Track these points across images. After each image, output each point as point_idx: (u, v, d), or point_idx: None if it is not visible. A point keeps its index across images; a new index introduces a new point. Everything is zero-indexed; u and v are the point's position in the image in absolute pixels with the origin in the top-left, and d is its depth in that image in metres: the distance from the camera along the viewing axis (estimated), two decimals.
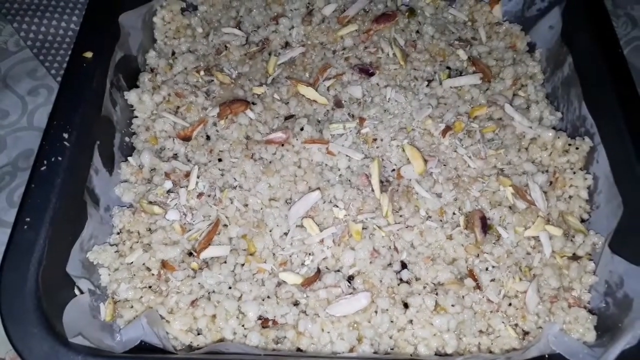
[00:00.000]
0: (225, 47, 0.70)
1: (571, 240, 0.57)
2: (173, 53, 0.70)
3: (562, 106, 0.67)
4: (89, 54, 0.57)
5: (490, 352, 0.52)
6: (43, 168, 0.50)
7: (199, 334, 0.51)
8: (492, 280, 0.54)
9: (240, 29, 0.71)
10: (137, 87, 0.65)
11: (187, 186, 0.58)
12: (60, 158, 0.51)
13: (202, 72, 0.66)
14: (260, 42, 0.70)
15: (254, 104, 0.64)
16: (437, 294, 0.53)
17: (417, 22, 0.72)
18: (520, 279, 0.55)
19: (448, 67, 0.69)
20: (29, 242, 0.46)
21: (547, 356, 0.50)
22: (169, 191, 0.58)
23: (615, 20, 0.83)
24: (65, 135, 0.52)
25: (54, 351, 0.42)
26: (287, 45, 0.71)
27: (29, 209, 0.48)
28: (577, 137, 0.62)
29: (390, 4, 0.74)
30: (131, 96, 0.62)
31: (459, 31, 0.73)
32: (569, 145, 0.62)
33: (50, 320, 0.44)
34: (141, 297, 0.52)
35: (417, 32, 0.72)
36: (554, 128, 0.66)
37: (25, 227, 0.47)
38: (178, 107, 0.64)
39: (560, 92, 0.67)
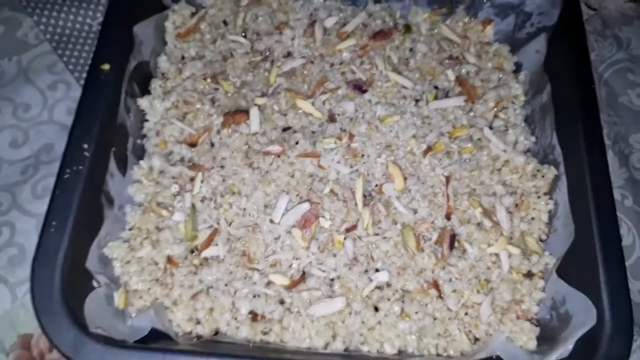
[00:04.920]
0: (231, 54, 0.75)
1: (527, 259, 0.65)
2: (182, 57, 0.75)
3: (537, 130, 0.73)
4: (106, 66, 0.63)
5: (446, 353, 0.61)
6: (66, 176, 0.57)
7: (198, 323, 0.60)
8: (454, 291, 0.63)
9: (245, 36, 0.76)
10: (149, 92, 0.71)
11: (191, 190, 0.65)
12: (81, 167, 0.58)
13: (208, 79, 0.72)
14: (264, 51, 0.75)
15: None
16: (403, 301, 0.61)
17: (411, 39, 0.77)
18: (478, 291, 0.63)
19: (436, 87, 0.74)
20: (56, 243, 0.54)
21: (494, 357, 0.60)
22: (175, 194, 0.65)
23: (601, 41, 0.88)
24: (85, 146, 0.59)
25: (79, 340, 0.50)
26: (289, 54, 0.76)
27: (54, 213, 0.55)
28: (545, 164, 0.69)
29: (388, 19, 0.78)
30: (143, 103, 0.69)
31: (451, 49, 0.78)
32: (537, 171, 0.69)
33: (74, 312, 0.52)
34: (149, 288, 0.61)
35: (411, 49, 0.77)
36: (528, 150, 0.72)
37: (52, 229, 0.54)
38: (186, 114, 0.70)
39: (538, 117, 0.73)
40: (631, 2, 0.90)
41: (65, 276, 0.53)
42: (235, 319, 0.60)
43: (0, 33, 0.77)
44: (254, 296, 0.61)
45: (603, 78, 0.85)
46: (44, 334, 0.50)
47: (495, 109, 0.74)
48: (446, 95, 0.74)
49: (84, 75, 0.76)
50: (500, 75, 0.77)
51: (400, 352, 0.60)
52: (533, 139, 0.72)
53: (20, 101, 0.74)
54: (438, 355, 0.61)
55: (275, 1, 0.79)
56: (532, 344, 0.60)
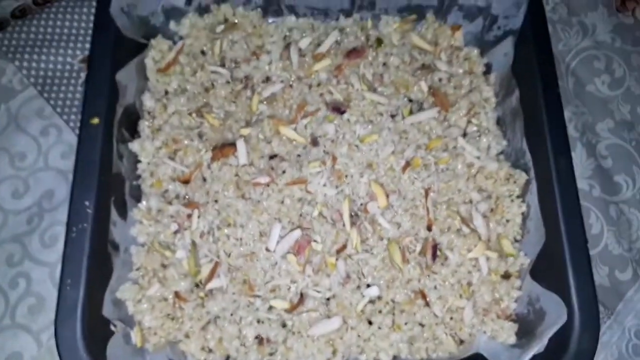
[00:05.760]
0: (212, 84, 0.78)
1: (504, 261, 0.71)
2: (166, 92, 0.77)
3: (509, 133, 0.77)
4: (95, 120, 0.66)
5: (435, 355, 0.67)
6: (73, 235, 0.61)
7: (210, 352, 0.66)
8: (439, 297, 0.69)
9: (224, 65, 0.79)
10: (138, 133, 0.74)
11: (190, 227, 0.70)
12: (85, 224, 0.62)
13: (193, 114, 0.75)
14: (243, 79, 0.78)
15: None
16: (394, 314, 0.68)
17: (384, 53, 0.80)
18: (461, 296, 0.69)
19: (410, 100, 0.78)
20: (73, 300, 0.59)
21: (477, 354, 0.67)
22: (175, 232, 0.70)
23: (568, 30, 0.91)
24: (87, 203, 0.63)
25: None
26: (268, 79, 0.79)
27: (68, 272, 0.60)
28: (517, 169, 0.74)
29: (360, 33, 0.81)
30: (134, 146, 0.72)
31: (422, 57, 0.81)
32: (510, 175, 0.74)
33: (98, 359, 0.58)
34: (162, 324, 0.66)
35: (384, 64, 0.79)
36: (502, 153, 0.77)
37: (68, 287, 0.60)
38: (176, 151, 0.74)
39: (509, 119, 0.77)
40: None
41: (85, 328, 0.59)
42: (244, 345, 0.66)
43: None
44: (258, 322, 0.67)
45: (570, 68, 0.88)
46: None
47: (467, 115, 0.78)
48: (420, 106, 0.78)
49: (72, 117, 0.80)
50: (471, 79, 0.80)
51: (395, 357, 0.67)
52: (505, 142, 0.77)
53: (16, 150, 0.77)
54: (428, 357, 0.67)
55: (250, 25, 0.81)
56: (512, 340, 0.67)
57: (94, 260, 0.62)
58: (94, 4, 0.83)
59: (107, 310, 0.63)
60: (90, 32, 0.83)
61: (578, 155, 0.82)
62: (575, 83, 0.87)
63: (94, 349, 0.59)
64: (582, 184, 0.80)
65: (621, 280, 0.79)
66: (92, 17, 0.84)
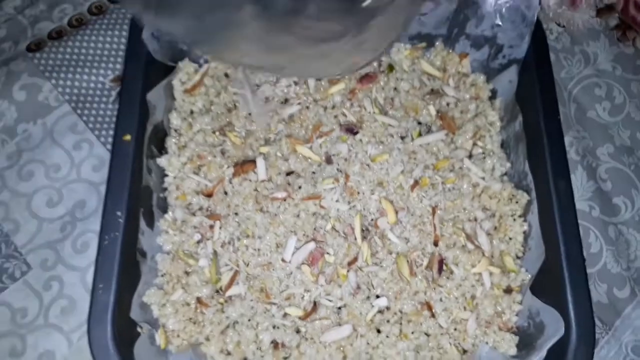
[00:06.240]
0: (235, 105, 0.83)
1: (507, 276, 0.75)
2: (192, 112, 0.83)
3: (512, 156, 0.82)
4: (127, 137, 0.72)
5: None
6: (105, 242, 0.67)
7: (229, 354, 0.71)
8: (444, 309, 0.73)
9: None
10: (165, 149, 0.79)
11: (212, 237, 0.75)
12: (117, 233, 0.67)
13: (217, 132, 0.81)
14: (263, 100, 0.84)
15: None
16: (401, 323, 0.72)
17: (395, 78, 0.85)
18: (465, 308, 0.73)
19: (419, 122, 0.83)
20: (104, 303, 0.64)
21: None
22: (198, 241, 0.75)
23: (570, 59, 0.95)
24: (119, 214, 0.68)
25: None
26: (286, 101, 0.84)
27: (100, 277, 0.65)
28: (519, 190, 0.78)
29: None
30: (162, 162, 0.77)
31: (431, 83, 0.86)
32: (513, 195, 0.78)
33: (126, 358, 0.63)
34: (185, 327, 0.71)
35: (395, 88, 0.85)
36: (505, 174, 0.81)
37: (100, 291, 0.65)
38: (200, 166, 0.79)
39: (512, 143, 0.82)
40: (597, 16, 0.97)
41: (115, 329, 0.64)
42: (260, 348, 0.71)
43: (23, 99, 0.85)
44: (274, 327, 0.71)
45: (572, 95, 0.93)
46: None
47: (473, 138, 0.83)
48: (429, 129, 0.83)
49: (104, 132, 0.85)
50: (477, 104, 0.85)
51: None
52: (508, 164, 0.81)
53: (51, 162, 0.82)
54: None
55: None
56: (513, 351, 0.71)
57: (123, 266, 0.67)
58: (125, 27, 0.90)
59: (135, 313, 0.68)
60: (121, 53, 0.91)
61: (579, 178, 0.86)
62: (576, 109, 0.92)
63: (122, 349, 0.64)
64: (582, 205, 0.84)
65: (619, 298, 0.82)
66: (123, 39, 0.91)
